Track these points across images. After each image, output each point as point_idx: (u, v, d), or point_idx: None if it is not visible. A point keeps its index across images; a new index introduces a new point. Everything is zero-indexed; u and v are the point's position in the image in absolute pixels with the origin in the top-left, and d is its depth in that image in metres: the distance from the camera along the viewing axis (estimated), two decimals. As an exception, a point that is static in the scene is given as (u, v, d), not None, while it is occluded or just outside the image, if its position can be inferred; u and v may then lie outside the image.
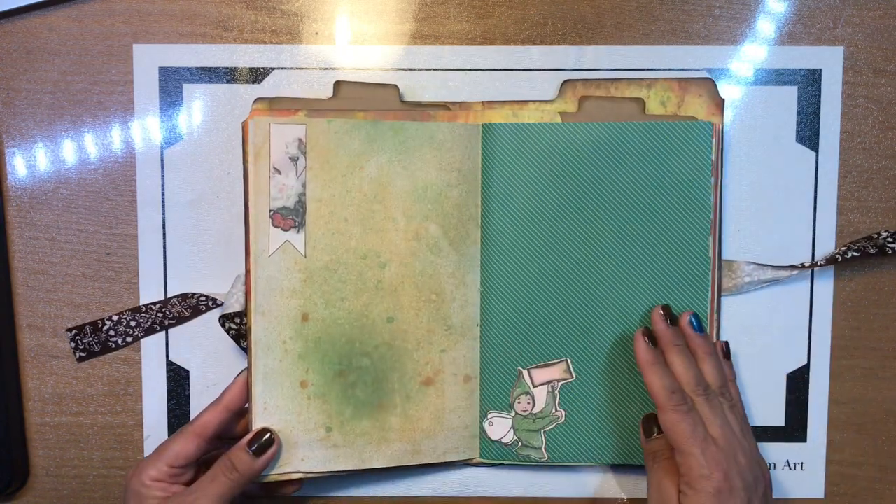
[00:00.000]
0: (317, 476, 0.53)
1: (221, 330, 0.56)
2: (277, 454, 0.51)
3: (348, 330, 0.53)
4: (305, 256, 0.52)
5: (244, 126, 0.51)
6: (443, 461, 0.55)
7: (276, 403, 0.52)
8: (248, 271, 0.52)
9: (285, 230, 0.52)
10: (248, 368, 0.52)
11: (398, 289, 0.53)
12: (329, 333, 0.53)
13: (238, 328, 0.54)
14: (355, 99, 0.53)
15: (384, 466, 0.53)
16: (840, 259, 0.55)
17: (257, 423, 0.51)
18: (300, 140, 0.51)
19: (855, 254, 0.55)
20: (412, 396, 0.54)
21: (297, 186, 0.52)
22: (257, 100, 0.53)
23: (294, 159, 0.51)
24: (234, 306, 0.54)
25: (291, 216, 0.52)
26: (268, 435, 0.51)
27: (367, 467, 0.53)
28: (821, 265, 0.55)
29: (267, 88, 0.55)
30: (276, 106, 0.53)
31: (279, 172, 0.51)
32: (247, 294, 0.52)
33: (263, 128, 0.51)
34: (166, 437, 0.57)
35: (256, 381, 0.52)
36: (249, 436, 0.51)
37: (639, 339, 0.50)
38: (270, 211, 0.51)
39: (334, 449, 0.53)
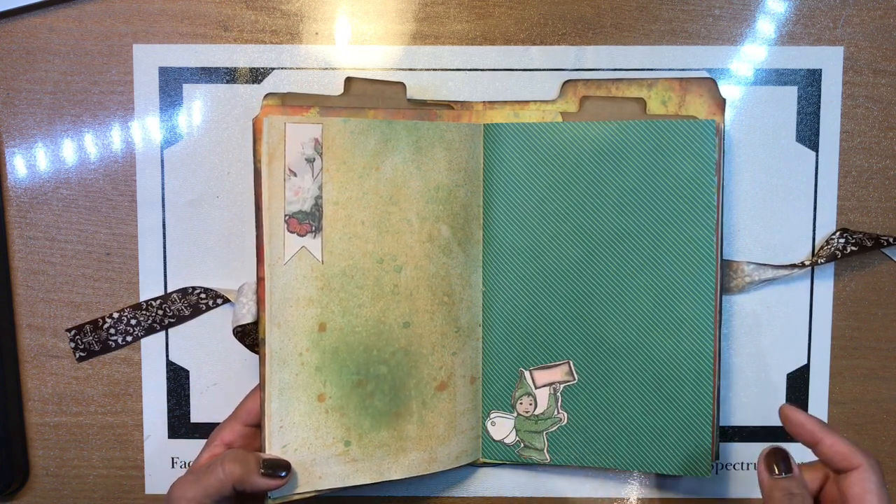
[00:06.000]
0: (333, 492, 0.52)
1: (222, 330, 0.56)
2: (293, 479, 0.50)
3: (365, 337, 0.51)
4: (322, 263, 0.50)
5: (256, 124, 0.49)
6: (455, 466, 0.54)
7: (292, 420, 0.50)
8: (260, 279, 0.50)
9: (301, 235, 0.50)
10: (262, 384, 0.50)
11: (413, 293, 0.52)
12: (347, 342, 0.51)
13: (243, 328, 0.54)
14: (365, 96, 0.52)
15: (402, 478, 0.52)
16: (839, 255, 0.55)
17: (273, 441, 0.49)
18: (316, 140, 0.50)
19: (853, 248, 0.55)
20: (428, 402, 0.53)
21: (313, 189, 0.50)
22: (268, 95, 0.51)
23: (310, 160, 0.49)
24: (247, 317, 0.53)
25: (308, 220, 0.50)
26: (284, 465, 0.48)
27: (386, 479, 0.52)
28: (821, 263, 0.55)
29: (267, 89, 0.55)
30: (288, 102, 0.51)
31: (294, 174, 0.49)
32: (259, 304, 0.50)
33: (279, 127, 0.49)
34: (166, 437, 0.57)
35: (272, 397, 0.49)
36: (265, 457, 0.48)
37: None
38: (285, 215, 0.50)
39: (353, 463, 0.51)
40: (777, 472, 0.45)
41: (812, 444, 0.46)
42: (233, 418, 0.51)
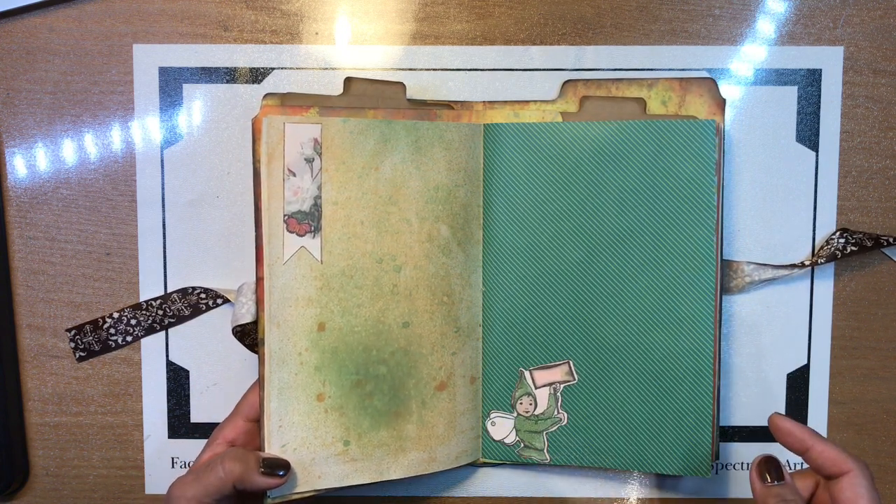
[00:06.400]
0: (332, 492, 0.51)
1: (221, 330, 0.56)
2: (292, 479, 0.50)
3: (364, 337, 0.51)
4: (322, 262, 0.50)
5: (255, 124, 0.49)
6: (454, 466, 0.54)
7: (291, 420, 0.50)
8: (259, 279, 0.50)
9: (300, 235, 0.50)
10: (261, 383, 0.50)
11: (413, 292, 0.52)
12: (346, 342, 0.51)
13: (243, 328, 0.54)
14: (365, 96, 0.52)
15: (401, 477, 0.52)
16: (840, 255, 0.55)
17: (272, 441, 0.49)
18: (315, 140, 0.50)
19: (853, 248, 0.55)
20: (427, 402, 0.53)
21: (312, 189, 0.50)
22: (267, 95, 0.51)
23: (309, 160, 0.50)
24: (246, 317, 0.53)
25: (307, 220, 0.50)
26: (284, 464, 0.48)
27: (385, 479, 0.52)
28: (821, 263, 0.55)
29: (267, 88, 0.55)
30: (288, 102, 0.51)
31: (293, 174, 0.49)
32: (259, 303, 0.50)
33: (278, 127, 0.49)
34: (166, 437, 0.57)
35: (271, 396, 0.50)
36: (265, 456, 0.49)
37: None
38: (285, 215, 0.50)
39: (352, 463, 0.51)
40: (769, 480, 0.46)
41: (801, 452, 0.46)
42: (234, 414, 0.51)
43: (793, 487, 0.46)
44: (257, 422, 0.51)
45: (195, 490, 0.47)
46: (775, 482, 0.45)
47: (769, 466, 0.46)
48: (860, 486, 0.44)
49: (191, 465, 0.55)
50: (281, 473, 0.48)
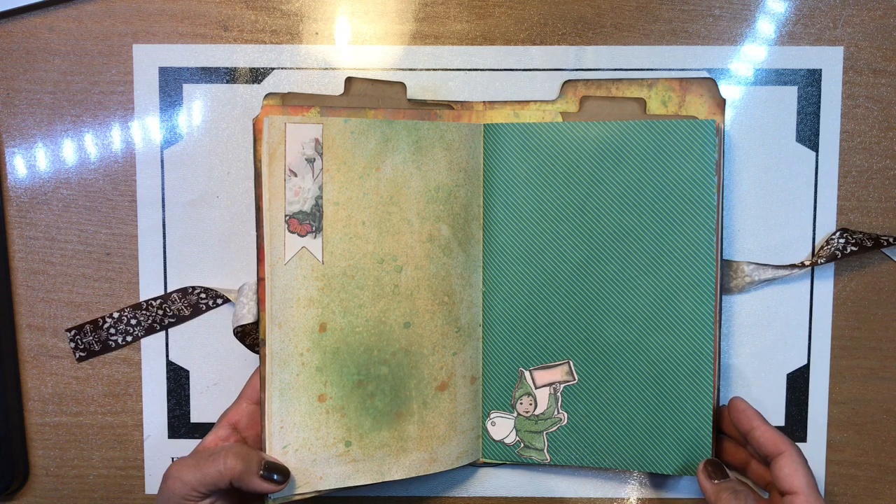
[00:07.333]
0: (333, 492, 0.52)
1: (221, 330, 0.56)
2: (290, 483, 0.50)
3: (366, 338, 0.51)
4: (323, 263, 0.50)
5: (256, 124, 0.50)
6: (455, 467, 0.54)
7: (293, 420, 0.50)
8: (261, 280, 0.50)
9: (302, 236, 0.50)
10: (262, 384, 0.50)
11: (414, 293, 0.52)
12: (347, 343, 0.51)
13: (244, 328, 0.54)
14: (365, 96, 0.52)
15: (403, 478, 0.52)
16: (840, 255, 0.55)
17: (273, 442, 0.50)
18: (316, 140, 0.50)
19: (853, 248, 0.55)
20: (429, 403, 0.53)
21: (313, 189, 0.50)
22: (268, 95, 0.51)
23: (310, 161, 0.50)
24: (247, 317, 0.53)
25: (308, 221, 0.50)
26: (284, 471, 0.49)
27: (387, 479, 0.52)
28: (821, 263, 0.55)
29: (267, 89, 0.55)
30: (289, 102, 0.51)
31: (295, 175, 0.49)
32: (260, 304, 0.50)
33: (279, 127, 0.49)
34: (166, 437, 0.57)
35: (273, 397, 0.50)
36: (267, 459, 0.49)
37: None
38: (286, 216, 0.50)
39: (354, 464, 0.51)
40: (716, 479, 0.51)
41: (747, 430, 0.51)
42: (239, 397, 0.52)
43: (738, 480, 0.51)
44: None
45: (192, 476, 0.47)
46: (722, 480, 0.51)
47: (714, 467, 0.51)
48: (796, 462, 0.49)
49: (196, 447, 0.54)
50: (278, 479, 0.48)
